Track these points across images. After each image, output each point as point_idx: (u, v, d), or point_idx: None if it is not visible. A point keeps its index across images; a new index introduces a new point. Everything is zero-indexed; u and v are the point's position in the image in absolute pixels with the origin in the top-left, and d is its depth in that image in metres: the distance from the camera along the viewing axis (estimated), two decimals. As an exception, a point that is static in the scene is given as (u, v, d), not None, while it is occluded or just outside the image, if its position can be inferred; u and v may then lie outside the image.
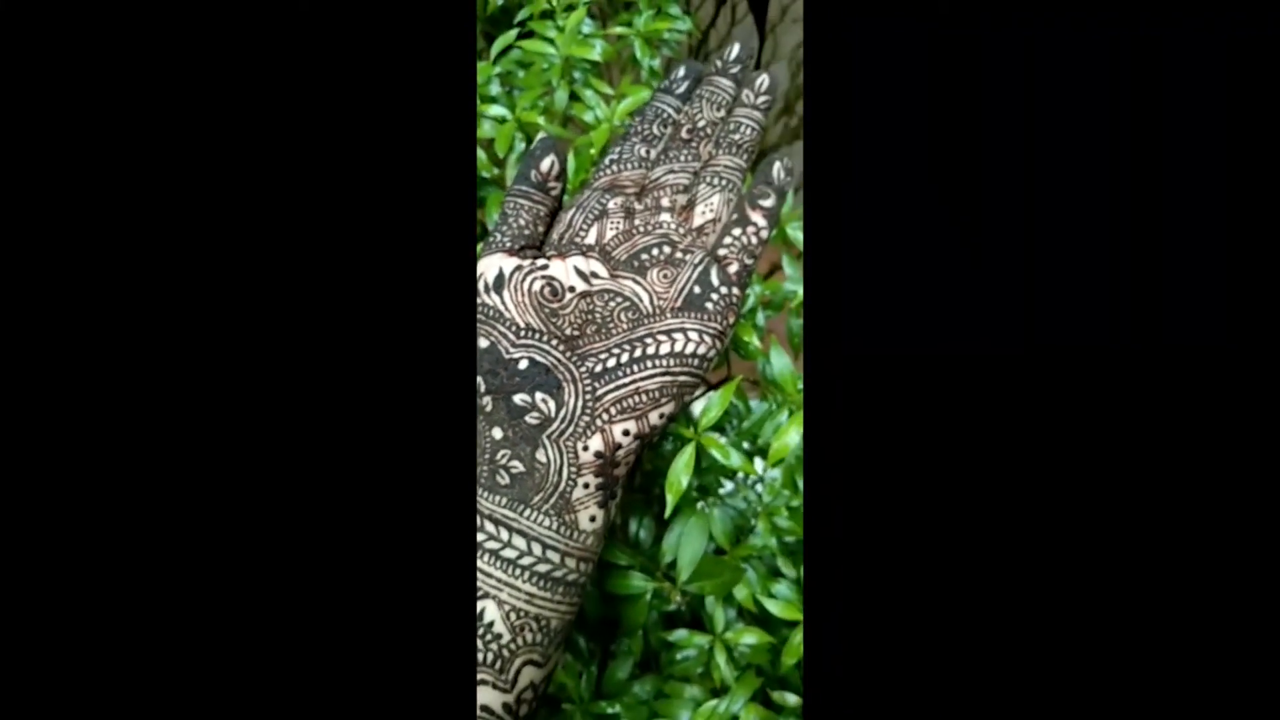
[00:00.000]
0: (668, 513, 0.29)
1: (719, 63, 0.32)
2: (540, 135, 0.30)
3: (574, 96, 0.39)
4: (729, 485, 0.38)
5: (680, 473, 0.29)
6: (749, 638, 0.35)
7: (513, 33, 0.41)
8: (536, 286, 0.27)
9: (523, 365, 0.27)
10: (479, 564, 0.26)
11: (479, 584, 0.25)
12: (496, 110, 0.38)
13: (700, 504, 0.33)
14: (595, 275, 0.28)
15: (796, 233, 0.35)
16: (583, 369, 0.27)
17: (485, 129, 0.39)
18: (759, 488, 0.38)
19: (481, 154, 0.39)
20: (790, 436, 0.29)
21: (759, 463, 0.36)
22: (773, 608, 0.35)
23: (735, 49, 0.32)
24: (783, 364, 0.31)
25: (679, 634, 0.35)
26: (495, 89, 0.41)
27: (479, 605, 0.25)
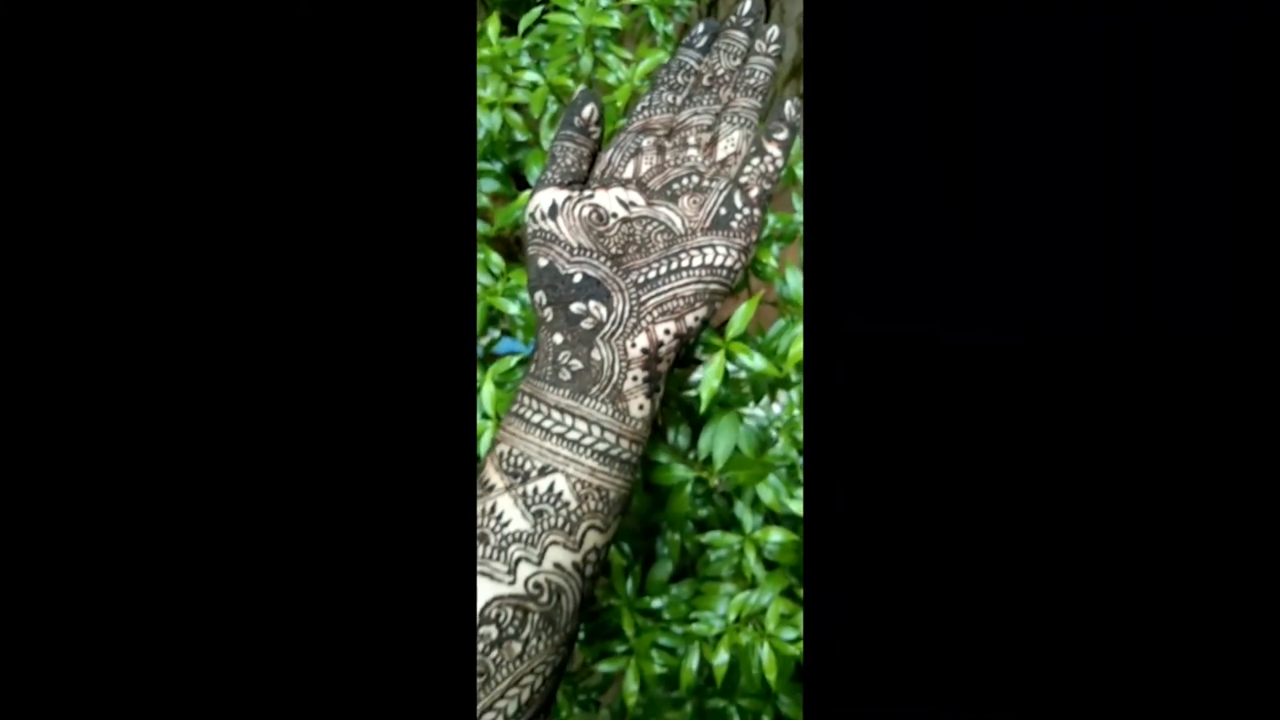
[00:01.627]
0: (702, 409, 0.33)
1: (733, 18, 0.37)
2: (580, 88, 0.35)
3: (597, 62, 0.44)
4: (752, 408, 0.42)
5: (712, 377, 0.34)
6: (776, 535, 0.39)
7: (537, 10, 0.46)
8: (585, 212, 0.32)
9: (577, 279, 0.31)
10: (548, 445, 0.30)
11: (549, 461, 0.30)
12: (530, 77, 0.42)
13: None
14: (634, 204, 0.32)
15: (800, 169, 0.39)
16: (628, 280, 0.31)
17: (519, 95, 0.43)
18: (778, 408, 0.42)
19: (518, 117, 0.43)
20: (807, 341, 0.34)
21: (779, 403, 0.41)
22: (796, 508, 0.39)
23: (747, 4, 0.37)
24: (797, 282, 0.36)
25: (712, 535, 0.39)
26: (525, 60, 0.45)
27: (549, 479, 0.30)
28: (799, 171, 0.40)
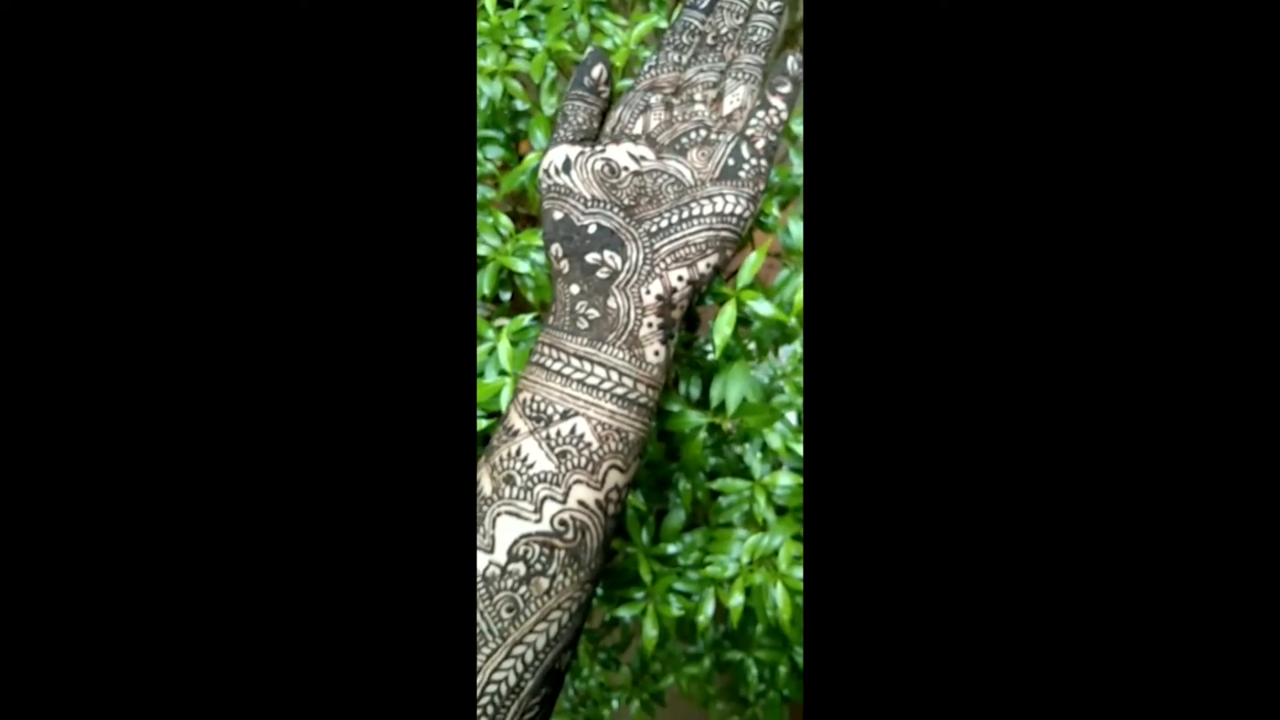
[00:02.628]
0: (716, 354, 0.35)
1: None
2: (589, 48, 0.36)
3: (594, 29, 0.45)
4: (758, 364, 0.44)
5: (724, 325, 0.35)
6: (785, 479, 0.40)
7: (533, -19, 0.47)
8: (597, 166, 0.33)
9: (592, 229, 0.32)
10: (569, 390, 0.31)
11: (570, 405, 0.31)
12: (530, 44, 0.43)
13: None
14: (644, 158, 0.33)
15: (797, 126, 0.41)
16: (641, 230, 0.32)
17: (518, 64, 0.44)
18: (783, 359, 0.44)
19: (518, 86, 0.44)
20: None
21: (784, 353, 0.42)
22: (802, 452, 0.40)
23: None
24: (799, 232, 0.37)
25: (723, 481, 0.41)
26: (523, 31, 0.46)
27: (571, 422, 0.31)
28: (796, 128, 0.41)
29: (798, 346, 0.43)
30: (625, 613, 0.41)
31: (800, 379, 0.42)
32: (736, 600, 0.39)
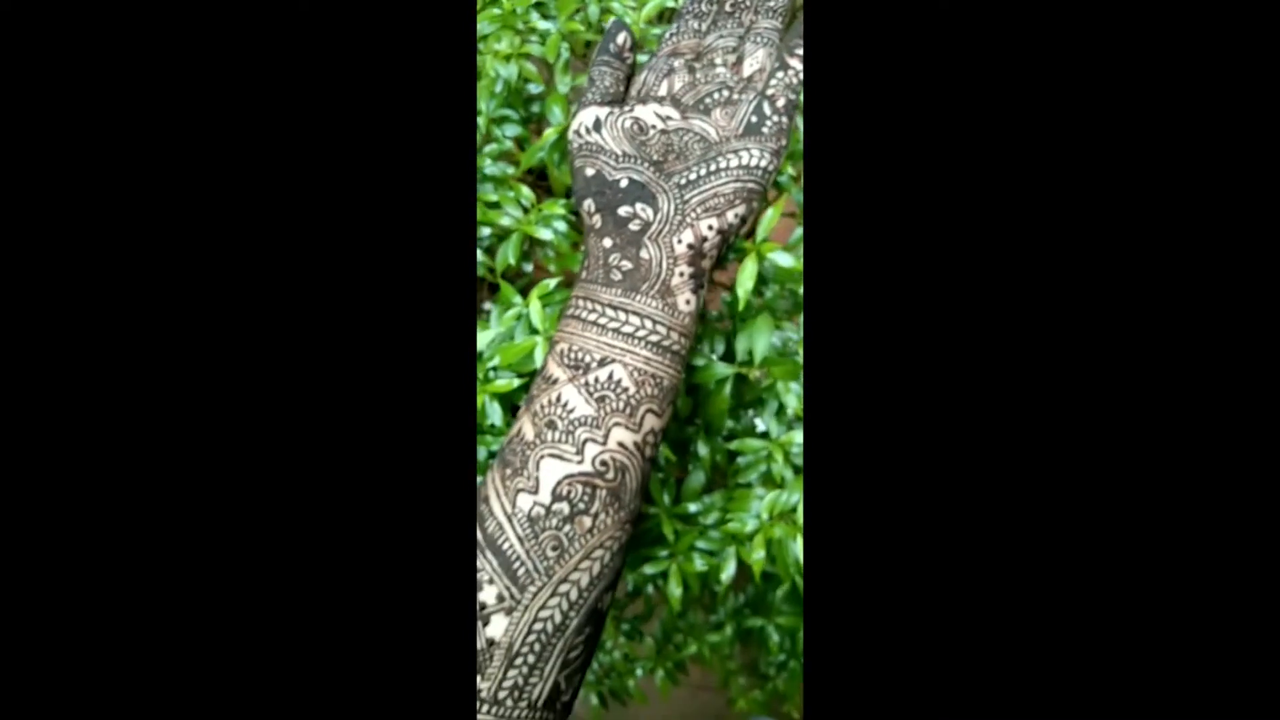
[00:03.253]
0: (740, 306, 0.36)
1: None
2: (612, 19, 0.38)
3: (604, 10, 0.47)
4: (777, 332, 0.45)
5: (746, 279, 0.37)
6: (800, 437, 0.42)
7: (542, -30, 0.49)
8: (626, 124, 0.35)
9: (624, 184, 0.34)
10: (605, 339, 0.32)
11: (607, 353, 0.32)
12: (544, 26, 0.45)
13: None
14: (670, 118, 0.35)
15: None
16: (670, 183, 0.34)
17: (531, 48, 0.46)
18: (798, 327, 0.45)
19: (532, 68, 0.46)
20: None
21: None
22: (818, 411, 0.42)
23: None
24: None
25: (741, 442, 0.42)
26: (535, 17, 0.48)
27: (609, 369, 0.32)
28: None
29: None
30: (651, 569, 0.42)
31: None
32: (759, 555, 0.41)
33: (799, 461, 0.42)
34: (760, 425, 0.43)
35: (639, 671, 0.54)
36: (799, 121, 0.38)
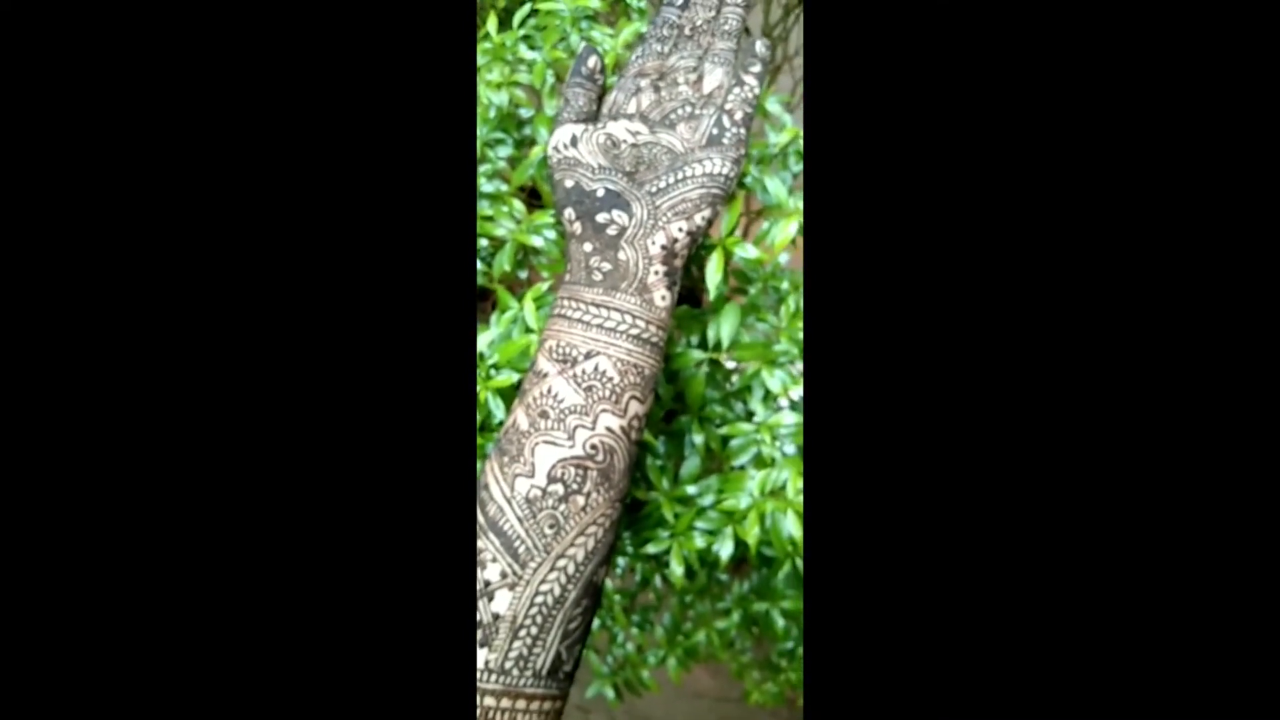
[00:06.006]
0: (712, 294, 0.39)
1: None
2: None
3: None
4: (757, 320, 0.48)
5: (714, 271, 0.40)
6: (789, 418, 0.45)
7: (528, 5, 0.53)
8: (600, 139, 0.38)
9: (600, 193, 0.37)
10: (590, 334, 0.36)
11: (592, 346, 0.36)
12: (530, 55, 0.49)
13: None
14: (639, 132, 0.39)
15: (771, 106, 0.46)
16: (642, 191, 0.37)
17: (520, 77, 0.50)
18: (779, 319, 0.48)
19: (522, 95, 0.50)
20: (790, 229, 0.40)
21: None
22: (797, 396, 0.45)
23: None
24: (774, 186, 0.42)
25: (732, 426, 0.45)
26: (523, 48, 0.52)
27: (594, 360, 0.35)
28: (767, 106, 0.46)
29: (792, 302, 0.47)
30: (654, 548, 0.45)
31: (797, 334, 0.46)
32: (755, 533, 0.43)
33: (787, 441, 0.45)
34: (758, 414, 0.46)
35: (650, 659, 0.57)
36: (798, 121, 0.41)
